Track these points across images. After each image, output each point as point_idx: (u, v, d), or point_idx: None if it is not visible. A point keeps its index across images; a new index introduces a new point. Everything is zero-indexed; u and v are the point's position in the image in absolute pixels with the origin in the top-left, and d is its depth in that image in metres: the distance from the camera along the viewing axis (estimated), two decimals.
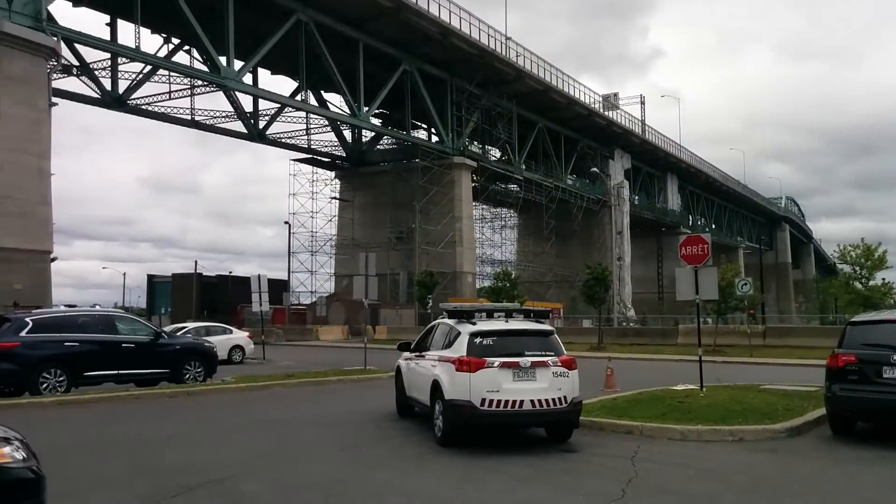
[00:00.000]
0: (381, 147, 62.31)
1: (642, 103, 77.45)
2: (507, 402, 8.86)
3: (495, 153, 64.71)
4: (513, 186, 65.27)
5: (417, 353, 11.01)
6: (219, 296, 56.33)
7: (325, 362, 24.24)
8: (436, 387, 9.56)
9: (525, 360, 9.04)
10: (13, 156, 33.61)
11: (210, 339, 20.53)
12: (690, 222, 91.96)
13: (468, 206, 59.13)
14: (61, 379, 13.96)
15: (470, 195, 59.59)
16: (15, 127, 33.74)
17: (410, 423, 11.07)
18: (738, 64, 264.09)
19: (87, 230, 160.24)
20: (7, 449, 4.25)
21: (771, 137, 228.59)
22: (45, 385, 13.76)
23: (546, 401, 8.98)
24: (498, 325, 9.66)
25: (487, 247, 69.55)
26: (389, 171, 59.53)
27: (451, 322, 10.13)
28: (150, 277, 66.39)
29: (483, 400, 8.85)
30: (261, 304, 24.22)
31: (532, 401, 8.92)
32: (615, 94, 72.93)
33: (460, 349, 9.27)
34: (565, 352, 9.52)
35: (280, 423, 11.32)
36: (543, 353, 9.24)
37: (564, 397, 9.10)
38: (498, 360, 8.98)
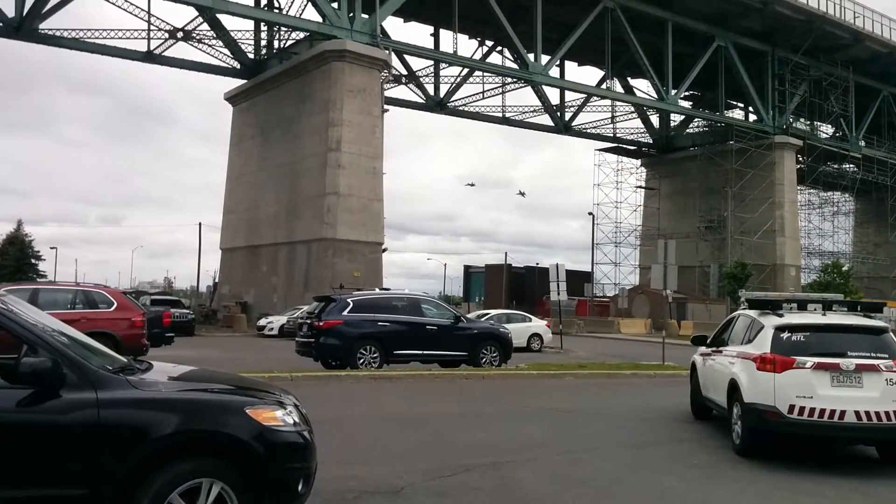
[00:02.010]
0: (691, 130, 58.98)
1: None
2: (822, 411, 7.47)
3: (826, 129, 57.29)
4: (848, 167, 57.23)
5: (714, 349, 9.91)
6: (526, 286, 58.30)
7: (621, 355, 23.52)
8: (733, 387, 8.47)
9: (847, 362, 7.55)
10: (354, 158, 38.42)
11: (509, 326, 21.07)
12: None
13: (791, 190, 53.25)
14: (375, 355, 15.37)
15: (794, 178, 53.60)
16: (355, 133, 38.54)
17: (705, 426, 10.02)
18: None
19: (416, 225, 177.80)
20: (279, 413, 4.46)
21: None
22: (361, 360, 15.26)
23: (878, 414, 7.40)
24: (812, 317, 8.23)
25: (815, 236, 61.93)
26: (700, 155, 56.02)
27: (752, 314, 8.90)
28: (467, 268, 71.47)
29: (791, 406, 7.59)
30: (558, 294, 24.28)
31: (857, 412, 7.41)
32: None
33: (763, 345, 8.07)
34: None
35: (565, 413, 11.06)
36: (873, 354, 7.64)
37: None
38: (811, 360, 7.63)
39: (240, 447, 4.20)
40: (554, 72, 47.83)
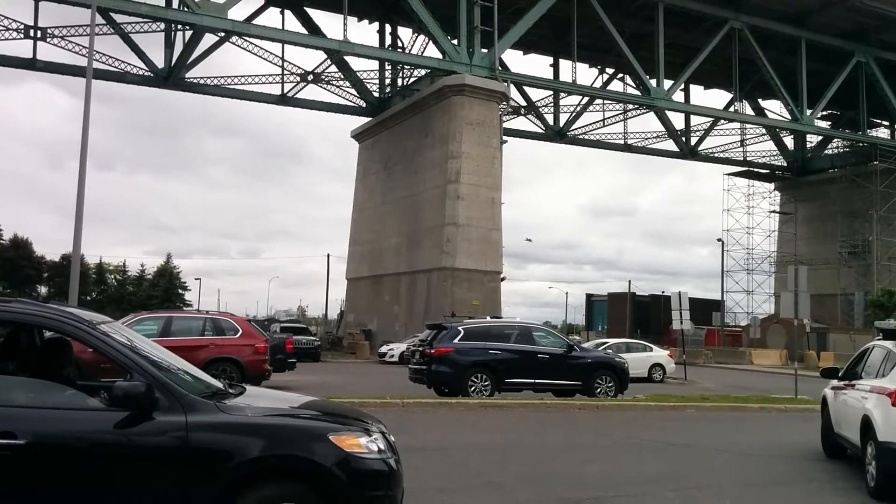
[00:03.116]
0: (830, 151, 55.39)
1: None
2: None
3: None
4: None
5: (846, 382, 9.12)
6: (652, 315, 56.38)
7: (750, 387, 22.13)
8: (867, 424, 7.73)
9: None
10: (473, 189, 38.89)
11: (628, 355, 20.42)
12: None
13: None
14: (486, 384, 15.24)
15: None
16: (474, 164, 39.06)
17: (838, 465, 9.19)
18: None
19: (538, 254, 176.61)
20: (363, 440, 4.43)
21: None
22: (472, 388, 15.16)
23: None
24: None
25: None
26: (840, 177, 52.39)
27: (888, 345, 8.13)
28: (589, 297, 70.08)
29: None
30: (681, 323, 23.25)
31: None
32: None
33: None
34: None
35: (681, 448, 10.49)
36: None
37: None
38: None
39: (322, 473, 4.21)
40: (678, 96, 46.58)
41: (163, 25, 37.19)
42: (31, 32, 36.05)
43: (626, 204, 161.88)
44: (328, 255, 64.13)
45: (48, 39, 36.28)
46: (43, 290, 65.09)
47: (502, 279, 41.17)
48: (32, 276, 63.92)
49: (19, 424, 3.92)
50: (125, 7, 32.11)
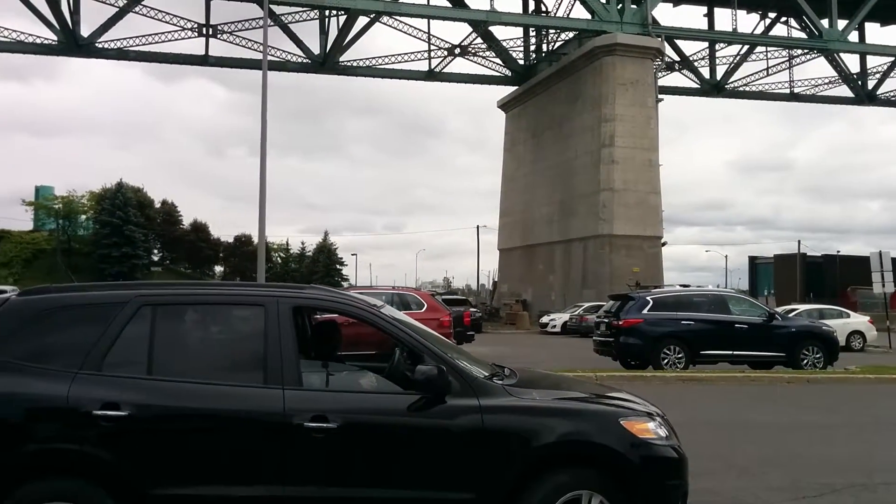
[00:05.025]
0: None
1: None
2: None
3: None
4: None
5: None
6: (825, 277, 52.41)
7: None
8: None
9: None
10: (628, 152, 37.67)
11: (825, 322, 18.89)
12: None
13: None
14: (680, 356, 14.60)
15: None
16: (628, 126, 37.75)
17: None
18: None
19: (685, 216, 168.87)
20: (651, 425, 4.19)
21: None
22: (665, 360, 14.57)
23: None
24: None
25: None
26: None
27: None
28: (752, 259, 66.31)
29: None
30: (883, 285, 21.21)
31: None
32: None
33: None
34: None
35: None
36: None
37: None
38: None
39: (617, 460, 4.00)
40: (853, 37, 42.31)
41: (317, 13, 38.39)
42: (204, 30, 38.39)
43: (781, 158, 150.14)
44: (477, 227, 64.57)
45: (219, 36, 38.51)
46: (219, 269, 70.40)
47: (663, 244, 39.72)
48: (211, 257, 69.25)
49: (328, 406, 3.93)
50: None
